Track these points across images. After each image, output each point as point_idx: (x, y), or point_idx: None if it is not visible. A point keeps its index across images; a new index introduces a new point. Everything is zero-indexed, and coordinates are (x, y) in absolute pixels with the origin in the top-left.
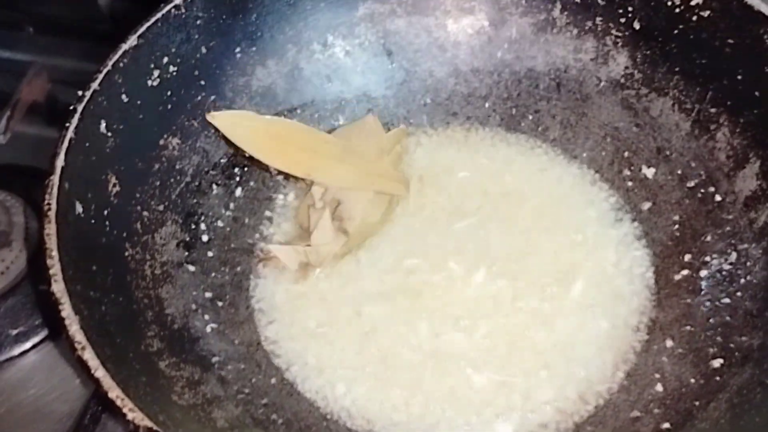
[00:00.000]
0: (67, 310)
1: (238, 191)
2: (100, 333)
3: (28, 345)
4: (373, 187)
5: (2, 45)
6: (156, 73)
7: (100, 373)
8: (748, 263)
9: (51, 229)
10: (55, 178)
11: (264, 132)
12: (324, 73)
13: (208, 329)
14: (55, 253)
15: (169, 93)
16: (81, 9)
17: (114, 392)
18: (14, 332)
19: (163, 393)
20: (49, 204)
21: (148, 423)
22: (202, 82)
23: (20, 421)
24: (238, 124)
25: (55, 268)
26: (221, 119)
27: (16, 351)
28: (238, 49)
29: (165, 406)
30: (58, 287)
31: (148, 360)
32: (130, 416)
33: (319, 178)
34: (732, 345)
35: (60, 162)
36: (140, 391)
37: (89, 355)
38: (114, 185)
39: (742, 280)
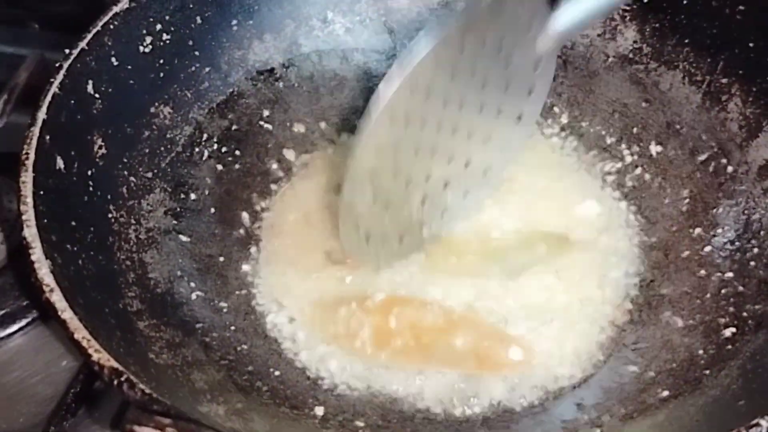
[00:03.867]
0: (37, 254)
1: (232, 165)
2: (74, 283)
3: (14, 327)
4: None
5: (7, 41)
6: (148, 39)
7: (67, 315)
8: (761, 232)
9: (27, 177)
10: (36, 129)
11: None
12: (323, 49)
13: (194, 296)
14: (29, 200)
15: (161, 61)
16: (84, 4)
17: (80, 333)
18: (0, 313)
19: (140, 350)
20: (27, 153)
21: (113, 364)
22: (197, 53)
23: (3, 403)
24: None
25: (27, 214)
26: None
27: (2, 333)
28: (234, 21)
29: (140, 361)
30: (30, 232)
31: (126, 318)
32: (95, 357)
33: None
34: (745, 314)
35: (41, 114)
36: (113, 343)
37: (57, 297)
38: (100, 147)
39: (756, 250)
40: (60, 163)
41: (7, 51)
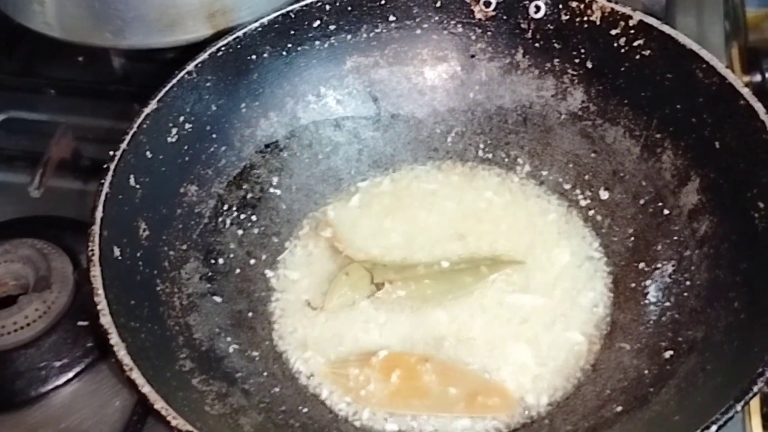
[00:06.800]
0: (114, 339)
1: (250, 229)
2: (142, 357)
3: (70, 374)
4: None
5: (28, 108)
6: (174, 131)
7: (146, 389)
8: (692, 267)
9: (96, 271)
10: (96, 228)
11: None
12: (318, 120)
13: (231, 349)
14: (101, 291)
15: (186, 147)
16: (97, 71)
17: (159, 404)
18: (58, 364)
19: (197, 405)
20: (92, 250)
21: (189, 427)
22: (214, 135)
23: None
24: None
25: (102, 304)
26: None
27: (61, 380)
28: (243, 105)
29: (200, 416)
30: (106, 320)
31: (183, 378)
32: (173, 423)
33: None
34: (680, 338)
35: (99, 214)
36: (179, 403)
37: (136, 375)
38: (144, 230)
39: (688, 282)
40: (117, 252)
41: (30, 117)
